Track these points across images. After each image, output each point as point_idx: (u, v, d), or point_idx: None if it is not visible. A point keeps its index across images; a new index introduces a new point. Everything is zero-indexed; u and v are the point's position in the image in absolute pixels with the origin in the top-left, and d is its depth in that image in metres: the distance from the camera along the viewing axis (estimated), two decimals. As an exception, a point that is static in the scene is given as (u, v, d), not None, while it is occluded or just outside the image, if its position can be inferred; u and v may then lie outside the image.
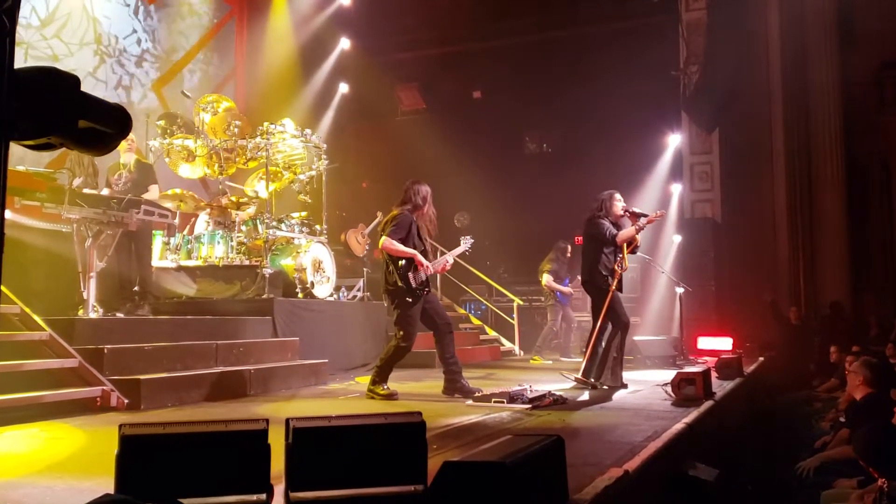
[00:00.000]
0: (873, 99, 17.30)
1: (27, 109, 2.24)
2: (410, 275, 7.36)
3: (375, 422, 2.92)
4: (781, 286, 16.86)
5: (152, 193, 9.21)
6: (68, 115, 2.38)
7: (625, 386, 8.22)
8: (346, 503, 2.81)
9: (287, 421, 2.85)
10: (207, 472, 2.71)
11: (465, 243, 8.13)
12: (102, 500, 2.55)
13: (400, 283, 7.36)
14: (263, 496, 2.76)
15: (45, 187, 7.27)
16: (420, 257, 7.41)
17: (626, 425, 5.66)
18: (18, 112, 2.17)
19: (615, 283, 8.27)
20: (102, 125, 2.53)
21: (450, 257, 8.00)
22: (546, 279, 13.29)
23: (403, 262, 7.38)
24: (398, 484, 2.86)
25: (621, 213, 8.47)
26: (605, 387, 8.06)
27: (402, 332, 7.43)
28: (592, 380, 8.09)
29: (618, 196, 8.54)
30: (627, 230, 8.38)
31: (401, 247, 7.37)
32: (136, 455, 2.66)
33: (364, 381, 8.68)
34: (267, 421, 2.83)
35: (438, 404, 6.89)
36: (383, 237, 7.45)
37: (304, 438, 2.81)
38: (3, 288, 6.04)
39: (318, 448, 2.82)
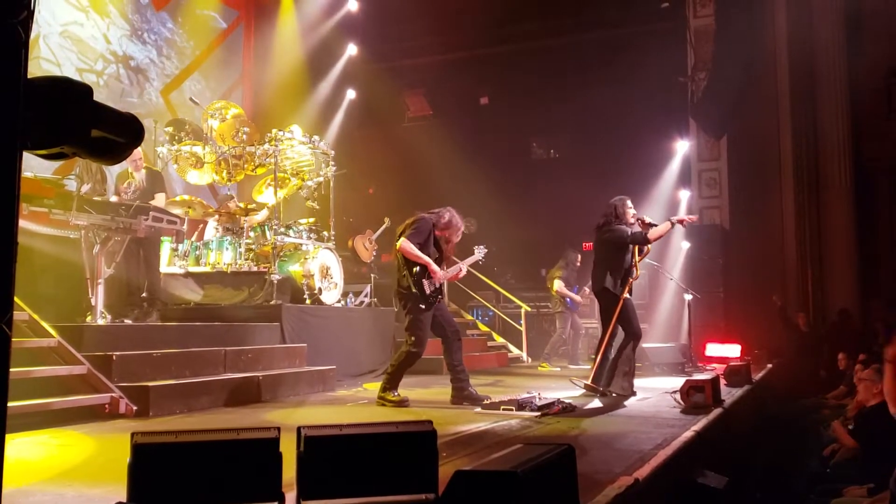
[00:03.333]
0: (881, 105, 17.25)
1: (41, 119, 2.25)
2: (425, 281, 7.36)
3: (387, 430, 2.92)
4: (790, 293, 16.81)
5: (158, 201, 9.21)
6: (81, 124, 2.39)
7: (634, 393, 8.19)
8: (358, 512, 2.81)
9: (299, 429, 2.85)
10: (219, 481, 2.71)
11: (479, 252, 8.14)
12: (114, 508, 2.55)
13: (414, 290, 7.36)
14: (275, 504, 2.76)
15: (53, 193, 7.29)
16: (434, 266, 7.41)
17: (635, 433, 5.65)
18: (32, 121, 2.17)
19: (627, 290, 8.27)
20: (115, 135, 2.54)
21: (463, 266, 7.97)
22: (557, 285, 13.28)
23: (418, 268, 7.37)
24: (409, 492, 2.86)
25: (632, 220, 8.45)
26: (614, 394, 8.04)
27: (413, 338, 7.42)
28: (602, 387, 8.08)
29: (629, 202, 8.53)
30: (661, 228, 8.26)
31: (417, 251, 7.37)
32: (148, 464, 2.67)
33: (372, 387, 8.68)
34: (278, 429, 2.83)
35: (447, 412, 6.88)
36: (402, 238, 7.46)
37: (316, 447, 2.81)
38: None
39: (330, 456, 2.82)
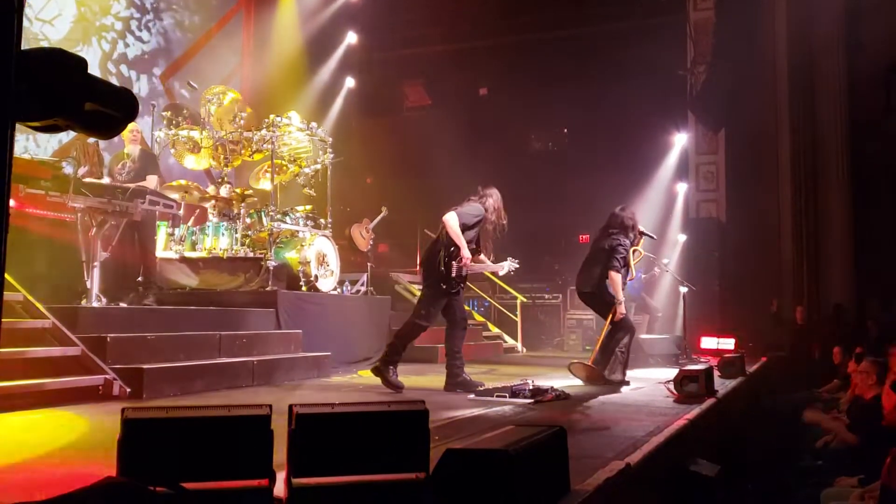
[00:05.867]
0: (880, 101, 17.24)
1: (34, 90, 2.24)
2: (454, 263, 7.36)
3: (379, 409, 2.91)
4: (785, 287, 16.83)
5: (149, 183, 9.17)
6: (75, 96, 2.37)
7: (627, 383, 8.23)
8: (348, 489, 2.80)
9: (290, 407, 2.84)
10: (210, 457, 2.70)
11: (508, 265, 8.13)
12: (103, 483, 2.55)
13: (441, 267, 7.36)
14: (266, 482, 2.75)
15: (49, 176, 7.27)
16: (465, 251, 7.40)
17: (628, 420, 5.66)
18: (25, 93, 2.16)
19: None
20: (109, 108, 2.52)
21: (495, 268, 8.01)
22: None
23: (453, 248, 7.37)
24: (401, 471, 2.85)
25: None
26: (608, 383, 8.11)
27: (423, 311, 7.45)
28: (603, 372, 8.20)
29: (635, 215, 8.87)
30: (618, 285, 8.38)
31: (458, 229, 7.37)
32: (138, 439, 2.65)
33: (366, 374, 8.69)
34: (270, 406, 2.82)
35: (440, 397, 6.89)
36: (451, 211, 7.46)
37: (308, 424, 2.79)
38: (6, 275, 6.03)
39: (321, 434, 2.81)
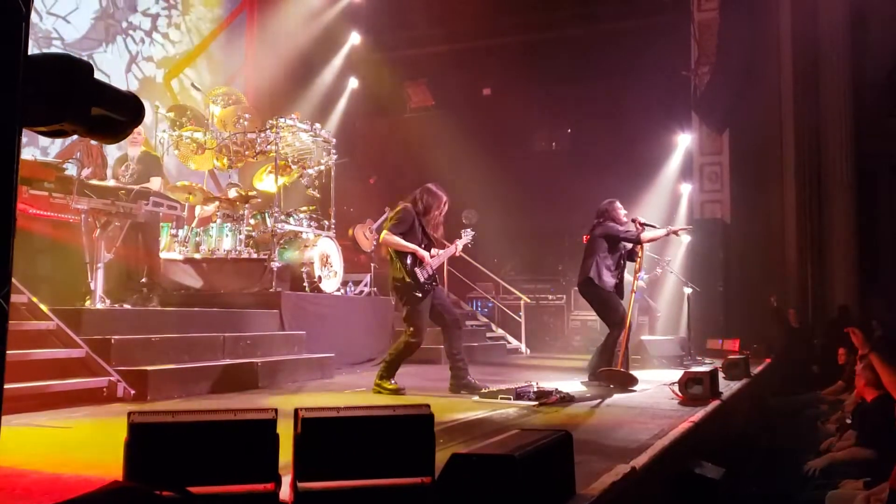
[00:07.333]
0: (885, 102, 17.22)
1: (41, 95, 2.24)
2: (417, 270, 7.36)
3: (384, 413, 2.91)
4: (789, 288, 16.80)
5: (152, 184, 9.17)
6: (81, 101, 2.37)
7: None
8: (354, 494, 2.80)
9: (296, 411, 2.84)
10: (216, 461, 2.71)
11: (466, 236, 8.10)
12: (110, 487, 2.55)
13: (408, 279, 7.36)
14: (272, 486, 2.76)
15: (53, 177, 7.27)
16: (421, 252, 7.41)
17: (632, 423, 5.66)
18: (32, 98, 2.16)
19: (614, 286, 8.55)
20: (115, 113, 2.52)
21: (457, 246, 7.96)
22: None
23: (409, 257, 7.38)
24: (406, 476, 2.85)
25: (625, 220, 8.66)
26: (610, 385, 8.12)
27: (412, 328, 7.44)
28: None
29: (618, 203, 8.83)
30: (656, 233, 8.71)
31: (401, 241, 7.39)
32: (145, 443, 2.66)
33: (371, 375, 8.68)
34: (276, 411, 2.82)
35: (445, 400, 6.88)
36: (384, 231, 7.50)
37: (313, 428, 2.80)
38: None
39: (327, 438, 2.81)
